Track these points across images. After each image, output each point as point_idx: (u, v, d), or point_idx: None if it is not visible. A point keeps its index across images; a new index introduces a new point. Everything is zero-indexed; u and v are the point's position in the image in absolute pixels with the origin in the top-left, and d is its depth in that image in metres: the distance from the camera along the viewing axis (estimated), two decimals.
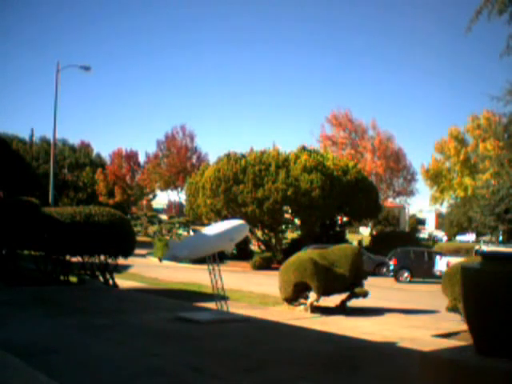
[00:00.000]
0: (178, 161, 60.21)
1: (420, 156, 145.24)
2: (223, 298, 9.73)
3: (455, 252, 33.55)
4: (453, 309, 9.45)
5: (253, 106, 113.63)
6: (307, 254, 13.87)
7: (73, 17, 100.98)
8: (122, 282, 16.04)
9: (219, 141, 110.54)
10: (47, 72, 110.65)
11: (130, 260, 16.85)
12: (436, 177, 60.96)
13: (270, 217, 32.07)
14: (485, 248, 29.12)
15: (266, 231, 34.90)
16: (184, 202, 45.36)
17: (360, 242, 39.52)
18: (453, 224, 58.34)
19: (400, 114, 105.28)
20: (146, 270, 23.11)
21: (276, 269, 19.11)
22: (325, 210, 32.49)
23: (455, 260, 19.29)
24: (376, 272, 27.86)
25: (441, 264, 24.04)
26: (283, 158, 33.29)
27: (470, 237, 57.32)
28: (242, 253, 33.43)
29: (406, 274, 26.05)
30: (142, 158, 65.38)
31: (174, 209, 68.61)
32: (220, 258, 10.73)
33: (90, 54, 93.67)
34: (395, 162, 55.88)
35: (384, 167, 54.84)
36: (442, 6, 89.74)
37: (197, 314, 9.51)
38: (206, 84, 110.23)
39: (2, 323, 7.87)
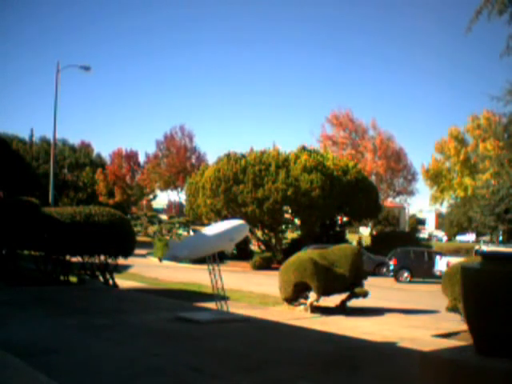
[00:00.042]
0: (178, 161, 60.23)
1: (420, 156, 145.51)
2: (223, 298, 9.73)
3: (455, 252, 33.60)
4: (453, 309, 9.44)
5: (253, 106, 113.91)
6: (307, 254, 13.87)
7: (73, 17, 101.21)
8: (122, 281, 16.04)
9: (219, 141, 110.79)
10: (47, 72, 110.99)
11: (130, 260, 16.85)
12: (436, 177, 60.98)
13: (270, 217, 32.07)
14: (485, 248, 29.12)
15: (266, 231, 34.90)
16: (184, 202, 45.37)
17: (360, 242, 39.49)
18: (453, 224, 58.41)
19: (400, 114, 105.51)
20: (145, 269, 23.11)
21: (276, 269, 19.11)
22: (325, 210, 32.49)
23: (455, 260, 19.28)
24: (376, 272, 27.84)
25: (441, 264, 24.04)
26: (283, 158, 33.28)
27: (470, 237, 57.41)
28: (242, 253, 33.43)
29: (405, 274, 26.04)
30: (141, 158, 65.53)
31: (174, 209, 68.61)
32: (220, 258, 10.74)
33: (90, 54, 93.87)
34: (396, 162, 55.85)
35: (385, 167, 54.82)
36: (442, 5, 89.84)
37: (197, 313, 9.51)
38: (206, 84, 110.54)
39: (2, 323, 7.88)
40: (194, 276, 19.96)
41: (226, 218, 27.37)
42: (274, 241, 34.93)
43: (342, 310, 12.85)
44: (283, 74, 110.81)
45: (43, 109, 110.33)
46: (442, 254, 26.40)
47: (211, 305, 10.43)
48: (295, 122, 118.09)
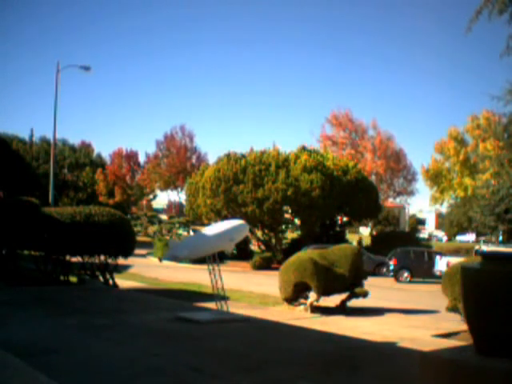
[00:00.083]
0: (178, 161, 60.24)
1: (420, 156, 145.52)
2: (223, 298, 9.73)
3: (455, 252, 33.59)
4: (453, 309, 9.44)
5: (253, 106, 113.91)
6: (307, 254, 13.87)
7: (73, 17, 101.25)
8: (122, 282, 16.04)
9: (219, 141, 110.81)
10: (47, 72, 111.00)
11: (130, 260, 16.85)
12: (436, 177, 61.01)
13: (270, 217, 32.07)
14: (485, 248, 29.12)
15: (266, 231, 34.90)
16: (184, 202, 45.37)
17: (360, 242, 39.50)
18: (453, 224, 58.44)
19: (400, 114, 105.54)
20: (146, 269, 23.11)
21: (276, 269, 19.11)
22: (325, 210, 32.49)
23: (455, 260, 19.28)
24: (376, 272, 27.84)
25: (441, 264, 24.04)
26: (283, 158, 33.28)
27: (470, 237, 57.39)
28: (242, 253, 33.43)
29: (405, 274, 26.04)
30: (142, 158, 65.56)
31: (174, 209, 68.63)
32: (220, 258, 10.74)
33: (90, 54, 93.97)
34: (396, 162, 55.89)
35: (384, 167, 54.84)
36: (442, 5, 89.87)
37: (197, 313, 9.51)
38: (206, 84, 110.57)
39: (2, 323, 7.87)
40: (193, 276, 19.96)
41: (226, 218, 27.37)
42: (273, 241, 34.94)
43: (342, 310, 12.85)
44: (283, 74, 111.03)
45: (43, 109, 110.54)
46: (441, 254, 26.40)
47: (211, 305, 10.43)
48: (295, 121, 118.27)
